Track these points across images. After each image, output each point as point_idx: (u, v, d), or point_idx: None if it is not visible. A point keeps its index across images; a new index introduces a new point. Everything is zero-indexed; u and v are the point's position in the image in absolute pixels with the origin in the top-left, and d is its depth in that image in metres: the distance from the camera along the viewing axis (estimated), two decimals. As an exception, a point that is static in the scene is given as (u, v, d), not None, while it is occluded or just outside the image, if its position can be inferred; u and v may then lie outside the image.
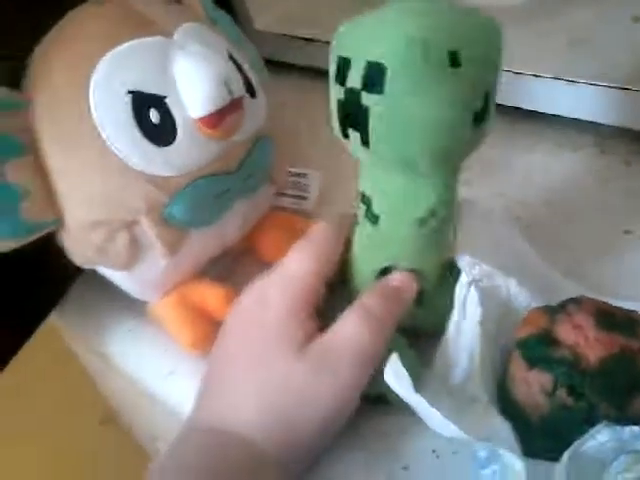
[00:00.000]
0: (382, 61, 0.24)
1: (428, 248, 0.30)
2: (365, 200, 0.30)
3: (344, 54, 0.26)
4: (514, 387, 0.28)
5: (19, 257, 0.31)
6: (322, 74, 0.29)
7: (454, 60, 0.24)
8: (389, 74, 0.24)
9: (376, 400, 0.30)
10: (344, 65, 0.26)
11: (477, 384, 0.29)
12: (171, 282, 0.36)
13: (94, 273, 0.36)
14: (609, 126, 0.43)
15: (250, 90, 0.35)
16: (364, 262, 0.32)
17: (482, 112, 0.26)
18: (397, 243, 0.30)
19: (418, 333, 0.32)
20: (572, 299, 0.29)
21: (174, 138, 0.31)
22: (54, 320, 0.41)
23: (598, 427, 0.24)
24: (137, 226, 0.32)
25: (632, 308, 0.28)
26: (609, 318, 0.27)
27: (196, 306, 0.36)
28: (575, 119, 0.44)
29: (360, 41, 0.26)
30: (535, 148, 0.46)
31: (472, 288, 0.30)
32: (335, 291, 0.33)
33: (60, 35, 0.32)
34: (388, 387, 0.27)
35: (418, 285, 0.31)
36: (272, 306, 0.30)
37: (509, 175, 0.44)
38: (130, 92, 0.30)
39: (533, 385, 0.27)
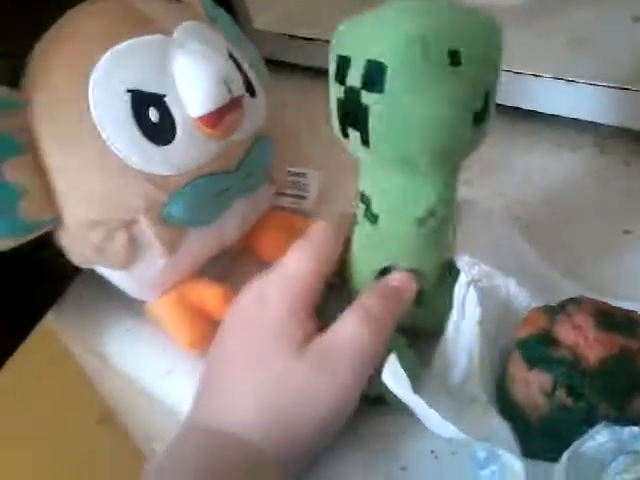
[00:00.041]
0: (382, 60, 0.24)
1: (427, 248, 0.30)
2: (364, 199, 0.30)
3: (344, 53, 0.26)
4: (513, 387, 0.28)
5: (17, 256, 0.31)
6: (322, 74, 0.29)
7: (454, 59, 0.24)
8: (389, 73, 0.24)
9: (375, 400, 0.30)
10: (344, 64, 0.26)
11: (476, 384, 0.29)
12: (169, 281, 0.36)
13: (92, 272, 0.35)
14: (609, 126, 0.43)
15: (250, 89, 0.35)
16: (363, 262, 0.32)
17: (482, 112, 0.26)
18: (396, 243, 0.30)
19: (417, 333, 0.32)
20: (572, 299, 0.29)
21: (173, 137, 0.31)
22: (51, 319, 0.41)
23: (597, 428, 0.24)
24: (136, 225, 0.32)
25: (632, 308, 0.28)
26: (609, 318, 0.27)
27: (194, 305, 0.36)
28: (575, 119, 0.44)
29: (360, 40, 0.26)
30: (534, 148, 0.46)
31: (471, 288, 0.30)
32: (334, 291, 0.33)
33: (59, 33, 0.32)
34: (387, 388, 0.27)
35: (417, 285, 0.31)
36: (271, 306, 0.30)
37: (509, 175, 0.44)
38: (129, 91, 0.30)
39: (532, 385, 0.27)
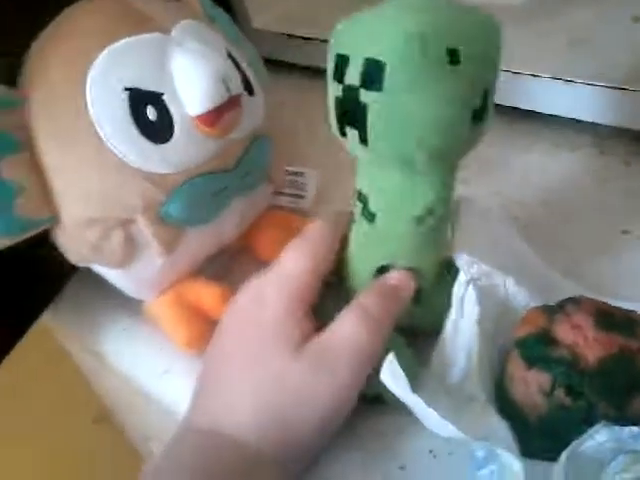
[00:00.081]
0: (380, 58, 0.24)
1: (426, 246, 0.30)
2: (362, 198, 0.30)
3: (342, 51, 0.26)
4: (512, 387, 0.28)
5: (14, 254, 0.31)
6: (321, 73, 0.29)
7: (453, 57, 0.24)
8: (388, 71, 0.24)
9: (373, 400, 0.30)
10: (342, 62, 0.26)
11: (475, 383, 0.29)
12: (167, 281, 0.36)
13: (89, 271, 0.35)
14: (608, 126, 0.43)
15: (248, 88, 0.35)
16: (361, 260, 0.32)
17: (481, 110, 0.26)
18: (394, 241, 0.30)
19: (416, 332, 0.32)
20: (571, 299, 0.29)
21: (171, 135, 0.31)
22: (48, 318, 0.41)
23: (596, 427, 0.24)
24: (133, 224, 0.32)
25: (631, 308, 0.28)
26: (608, 318, 0.27)
27: (192, 305, 0.36)
28: (573, 119, 0.44)
29: (358, 38, 0.26)
30: (533, 148, 0.46)
31: (470, 287, 0.30)
32: (332, 289, 0.33)
33: (57, 31, 0.32)
34: (385, 387, 0.27)
35: (416, 284, 0.31)
36: (268, 305, 0.30)
37: (507, 174, 0.44)
38: (127, 89, 0.30)
39: (531, 385, 0.26)
